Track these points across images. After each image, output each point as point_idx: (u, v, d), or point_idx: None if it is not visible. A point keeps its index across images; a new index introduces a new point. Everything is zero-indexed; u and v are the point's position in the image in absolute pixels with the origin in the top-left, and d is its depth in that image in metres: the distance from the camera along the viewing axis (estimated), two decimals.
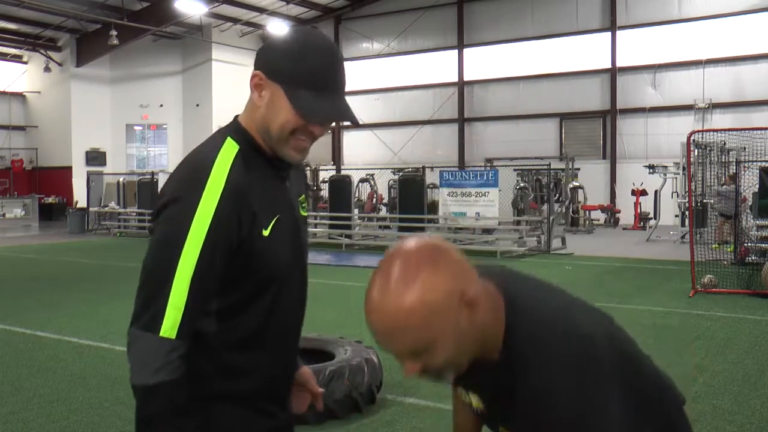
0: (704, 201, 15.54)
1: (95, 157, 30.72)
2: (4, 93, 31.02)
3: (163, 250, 1.62)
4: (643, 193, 22.31)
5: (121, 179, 25.71)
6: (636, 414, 1.46)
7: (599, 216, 24.23)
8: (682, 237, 17.34)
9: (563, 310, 1.48)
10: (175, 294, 1.58)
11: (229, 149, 1.73)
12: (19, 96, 31.81)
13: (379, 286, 1.33)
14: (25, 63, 31.69)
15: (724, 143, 16.22)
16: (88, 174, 26.14)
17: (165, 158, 32.19)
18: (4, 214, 26.17)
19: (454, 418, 1.97)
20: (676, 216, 19.62)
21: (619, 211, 24.08)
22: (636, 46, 25.32)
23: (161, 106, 31.70)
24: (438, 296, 1.30)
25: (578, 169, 24.23)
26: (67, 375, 6.12)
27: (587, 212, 23.19)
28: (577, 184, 23.17)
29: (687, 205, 14.16)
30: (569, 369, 1.35)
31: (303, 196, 1.92)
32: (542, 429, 1.38)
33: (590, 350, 1.39)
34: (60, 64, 30.48)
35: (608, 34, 25.80)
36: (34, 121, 31.73)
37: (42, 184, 31.11)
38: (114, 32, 26.32)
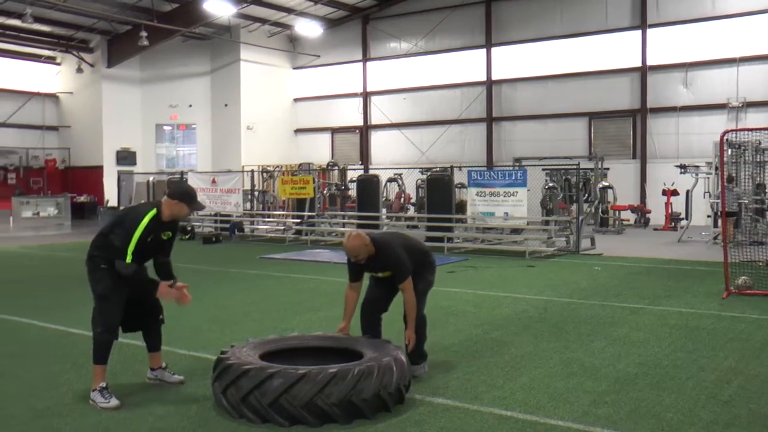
0: (739, 201, 15.29)
1: (125, 157, 31.08)
2: (38, 94, 31.53)
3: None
4: (674, 193, 22.02)
5: (150, 178, 25.96)
6: (412, 258, 5.98)
7: (629, 216, 23.97)
8: (715, 238, 17.11)
9: (385, 237, 6.34)
10: None
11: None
12: (53, 97, 32.31)
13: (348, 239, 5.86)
14: (59, 64, 32.19)
15: (759, 142, 15.94)
16: (119, 173, 26.47)
17: (194, 158, 32.48)
18: (38, 213, 26.57)
19: (347, 297, 6.06)
20: (708, 216, 19.35)
21: (650, 212, 23.80)
22: (667, 44, 25.00)
23: (190, 106, 31.98)
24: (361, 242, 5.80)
25: (608, 168, 24.00)
26: None
27: (617, 212, 22.95)
28: (607, 183, 22.94)
29: (720, 205, 13.95)
30: (394, 247, 5.93)
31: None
32: (392, 264, 5.85)
33: (391, 244, 6.01)
34: (92, 65, 30.90)
35: (638, 32, 25.51)
36: (67, 121, 32.22)
37: (74, 183, 31.57)
38: (144, 33, 26.61)
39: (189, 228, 21.19)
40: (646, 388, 5.67)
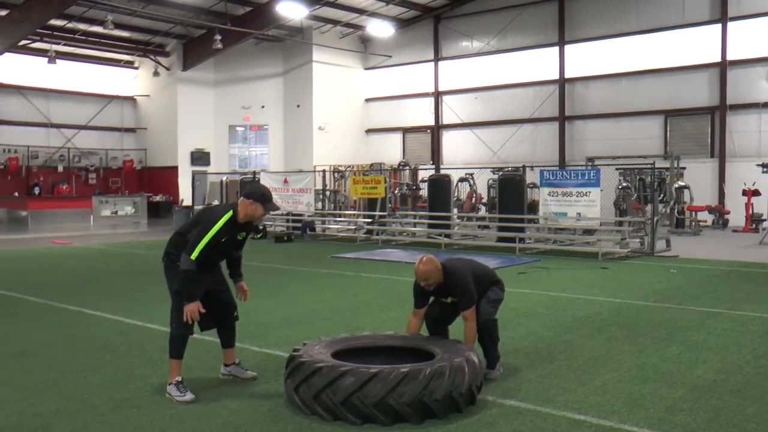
0: None
1: (200, 157, 31.83)
2: (117, 97, 32.63)
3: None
4: (756, 193, 21.22)
5: (224, 178, 26.51)
6: (478, 285, 5.93)
7: (706, 217, 23.23)
8: None
9: (455, 263, 6.06)
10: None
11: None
12: (131, 100, 33.36)
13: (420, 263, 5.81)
14: (136, 68, 33.21)
15: None
16: (193, 173, 27.10)
17: (266, 158, 33.01)
18: (116, 212, 27.52)
19: (410, 324, 6.03)
20: None
21: (728, 212, 22.99)
22: (749, 38, 24.08)
23: (263, 107, 32.51)
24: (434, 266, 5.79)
25: (684, 168, 23.31)
26: None
27: (693, 213, 22.29)
28: (683, 183, 22.29)
29: None
30: (464, 274, 5.88)
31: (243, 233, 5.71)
32: (459, 291, 5.81)
33: (461, 270, 5.93)
34: (168, 69, 31.76)
35: (718, 26, 24.66)
36: (144, 123, 33.20)
37: (150, 183, 32.50)
38: (218, 37, 27.23)
39: (261, 227, 21.55)
40: (726, 395, 5.48)
